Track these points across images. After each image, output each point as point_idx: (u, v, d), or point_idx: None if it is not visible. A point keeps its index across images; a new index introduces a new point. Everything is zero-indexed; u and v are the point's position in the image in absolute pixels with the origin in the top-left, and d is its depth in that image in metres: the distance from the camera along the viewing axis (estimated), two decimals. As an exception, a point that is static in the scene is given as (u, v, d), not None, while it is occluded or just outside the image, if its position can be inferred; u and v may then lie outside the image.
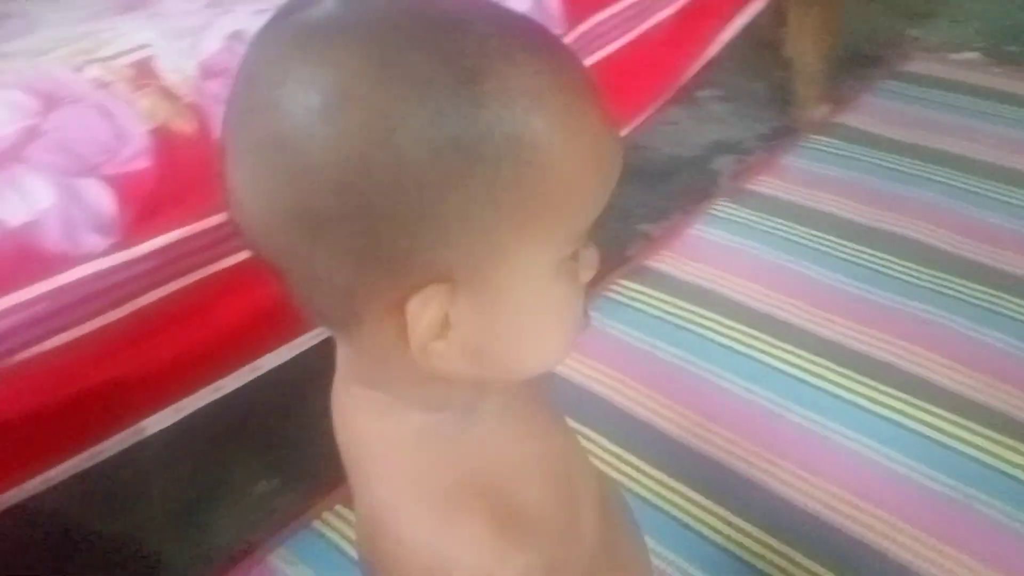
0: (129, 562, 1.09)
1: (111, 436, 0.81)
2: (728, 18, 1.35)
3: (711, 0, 1.29)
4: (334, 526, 1.07)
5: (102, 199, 0.74)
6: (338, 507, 1.09)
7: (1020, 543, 0.96)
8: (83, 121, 0.76)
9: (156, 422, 0.84)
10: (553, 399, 0.51)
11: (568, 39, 1.07)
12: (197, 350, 0.83)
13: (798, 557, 0.97)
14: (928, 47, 1.96)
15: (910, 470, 1.05)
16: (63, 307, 0.73)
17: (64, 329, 0.73)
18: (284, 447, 1.21)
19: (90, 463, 0.81)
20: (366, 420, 0.42)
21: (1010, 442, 1.06)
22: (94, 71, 0.80)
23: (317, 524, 1.08)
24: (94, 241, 0.74)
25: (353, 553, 1.03)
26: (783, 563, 0.97)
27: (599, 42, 1.13)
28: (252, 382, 0.92)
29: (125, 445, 0.83)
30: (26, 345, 0.71)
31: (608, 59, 1.15)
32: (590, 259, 0.41)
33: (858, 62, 1.91)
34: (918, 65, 1.87)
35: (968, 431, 1.08)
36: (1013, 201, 1.44)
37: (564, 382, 1.19)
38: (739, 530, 1.01)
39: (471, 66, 0.33)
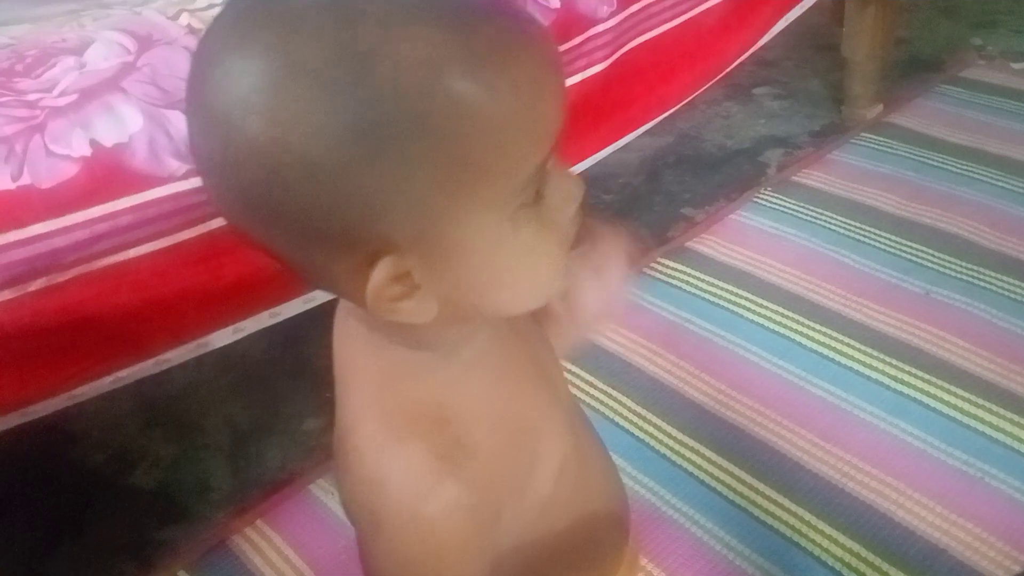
0: (176, 483, 1.18)
1: (176, 346, 0.90)
2: (782, 9, 1.40)
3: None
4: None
5: (184, 129, 0.83)
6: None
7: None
8: (173, 60, 0.85)
9: (218, 339, 0.93)
10: (552, 364, 0.53)
11: (618, 19, 1.13)
12: (259, 274, 0.91)
13: (808, 516, 1.02)
14: (989, 55, 1.97)
15: (926, 444, 1.08)
16: (145, 221, 0.82)
17: (145, 241, 0.82)
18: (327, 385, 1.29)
19: (156, 370, 0.90)
20: (355, 346, 0.46)
21: (1028, 423, 1.09)
22: (186, 19, 0.89)
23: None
24: (175, 165, 0.83)
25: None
26: (793, 521, 1.01)
27: (648, 23, 1.19)
28: (304, 318, 1.00)
29: (188, 357, 0.92)
30: (112, 251, 0.81)
31: (656, 40, 1.21)
32: (565, 191, 0.41)
33: (918, 67, 1.93)
34: (976, 72, 1.88)
35: (987, 411, 1.10)
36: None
37: (598, 349, 1.26)
38: (753, 489, 1.05)
39: (365, 50, 0.34)
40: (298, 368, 1.33)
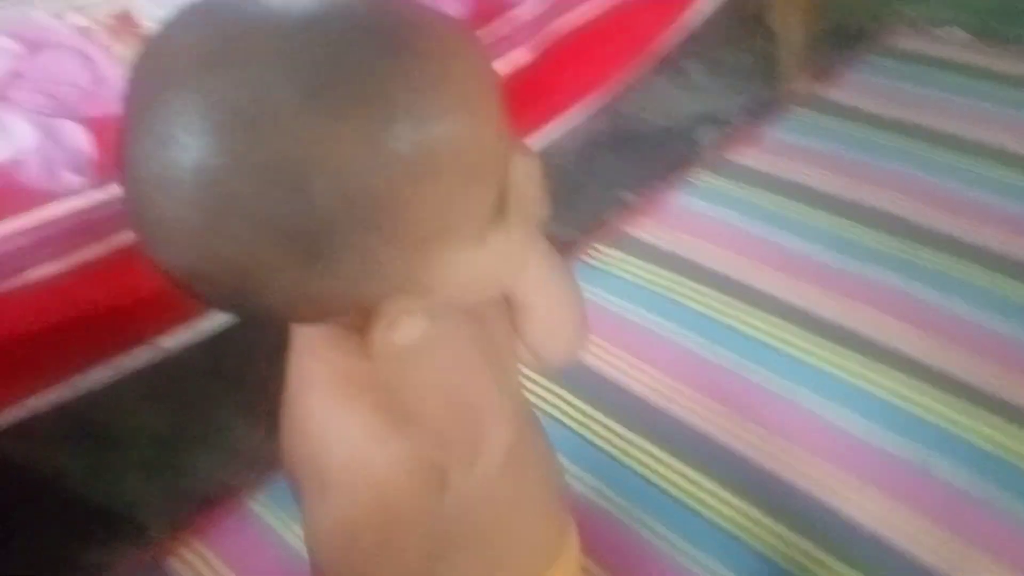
0: (109, 499, 1.12)
1: (93, 368, 0.84)
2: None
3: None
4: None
5: (79, 140, 0.77)
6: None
7: (973, 505, 0.99)
8: (64, 65, 0.78)
9: (134, 358, 0.87)
10: (508, 357, 0.54)
11: (543, 3, 1.09)
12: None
13: (751, 510, 1.01)
14: (914, 23, 1.97)
15: (868, 433, 1.08)
16: (45, 239, 0.75)
17: (47, 260, 0.76)
18: (269, 394, 1.24)
19: (74, 393, 0.84)
20: (313, 331, 0.46)
21: (965, 406, 1.09)
22: (75, 18, 0.82)
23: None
24: (71, 179, 0.76)
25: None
26: (736, 515, 1.01)
27: (574, 8, 1.15)
28: (229, 329, 0.94)
29: (107, 379, 0.86)
30: (9, 275, 0.74)
31: (583, 25, 1.17)
32: (523, 175, 0.41)
33: (844, 36, 1.92)
34: (903, 40, 1.89)
35: (927, 396, 1.11)
36: (988, 175, 1.46)
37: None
38: (694, 483, 1.04)
39: (303, 169, 0.34)
40: (228, 374, 1.27)
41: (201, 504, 1.10)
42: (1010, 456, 1.04)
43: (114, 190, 0.78)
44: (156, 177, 0.35)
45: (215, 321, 0.92)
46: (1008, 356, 1.15)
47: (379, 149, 0.35)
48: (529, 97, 1.14)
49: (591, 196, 1.55)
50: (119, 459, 1.17)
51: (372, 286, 0.38)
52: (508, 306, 0.53)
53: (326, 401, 0.44)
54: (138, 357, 0.88)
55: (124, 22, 0.82)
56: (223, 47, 0.35)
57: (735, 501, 1.02)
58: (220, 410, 1.22)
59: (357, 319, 0.40)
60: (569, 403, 1.15)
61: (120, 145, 0.37)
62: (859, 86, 1.75)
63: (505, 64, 1.08)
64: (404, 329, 0.41)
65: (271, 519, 1.06)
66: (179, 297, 0.86)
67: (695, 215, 1.45)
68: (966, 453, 1.04)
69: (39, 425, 1.17)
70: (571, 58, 1.18)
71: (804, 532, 0.98)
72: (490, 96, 0.38)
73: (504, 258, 0.42)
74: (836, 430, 1.09)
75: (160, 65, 0.36)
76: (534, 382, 1.17)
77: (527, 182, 0.42)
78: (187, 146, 0.34)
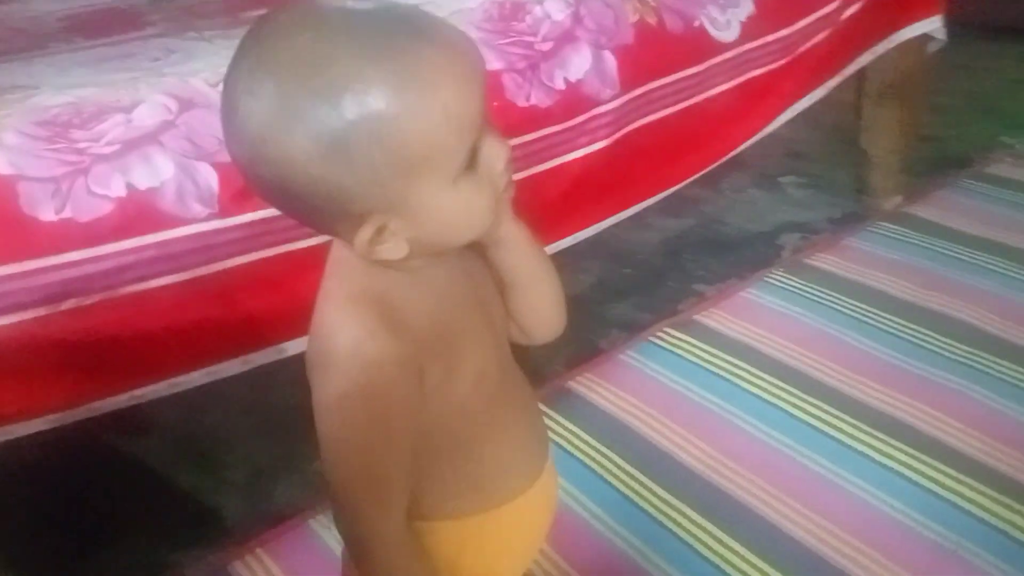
0: (195, 512, 1.27)
1: (189, 372, 1.00)
2: (787, 100, 1.47)
3: (771, 82, 1.42)
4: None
5: (210, 179, 0.95)
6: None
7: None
8: (208, 120, 0.97)
9: (228, 368, 1.02)
10: (492, 301, 0.66)
11: (621, 101, 1.23)
12: (268, 311, 1.01)
13: (782, 578, 1.04)
14: (1017, 154, 2.00)
15: (907, 517, 1.10)
16: (167, 256, 0.93)
17: (166, 274, 0.93)
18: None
19: (169, 391, 1.00)
20: (338, 260, 0.60)
21: (1008, 501, 1.09)
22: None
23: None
24: (198, 209, 0.94)
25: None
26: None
27: (651, 107, 1.28)
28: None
29: (199, 383, 1.01)
30: (135, 280, 0.92)
31: (659, 122, 1.30)
32: (494, 153, 0.55)
33: (946, 163, 1.98)
34: (1003, 168, 1.92)
35: (969, 488, 1.12)
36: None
37: (594, 409, 1.31)
38: (736, 553, 1.08)
39: (330, 90, 0.49)
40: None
41: (269, 521, 1.22)
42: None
43: (233, 221, 0.96)
44: (247, 128, 0.51)
45: (292, 348, 1.06)
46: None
47: (396, 90, 0.50)
48: (600, 186, 1.27)
49: (670, 287, 1.64)
50: (212, 477, 1.32)
51: (374, 192, 0.52)
52: (494, 276, 0.66)
53: (336, 305, 0.58)
54: (230, 369, 1.03)
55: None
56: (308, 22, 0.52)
57: (767, 568, 1.05)
58: (300, 441, 1.35)
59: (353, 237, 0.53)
60: (616, 464, 1.22)
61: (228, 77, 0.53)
62: (948, 205, 1.79)
63: (581, 152, 1.21)
64: (387, 244, 0.54)
65: (329, 538, 1.16)
66: (271, 318, 1.01)
67: (766, 309, 1.52)
68: (994, 540, 1.05)
69: (149, 440, 1.36)
70: (644, 153, 1.30)
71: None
72: (476, 82, 0.53)
73: (471, 206, 0.56)
74: (874, 511, 1.11)
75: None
76: (587, 444, 1.25)
77: (495, 158, 0.55)
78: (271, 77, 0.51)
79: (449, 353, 0.60)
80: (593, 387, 1.37)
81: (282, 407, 1.42)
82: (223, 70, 1.04)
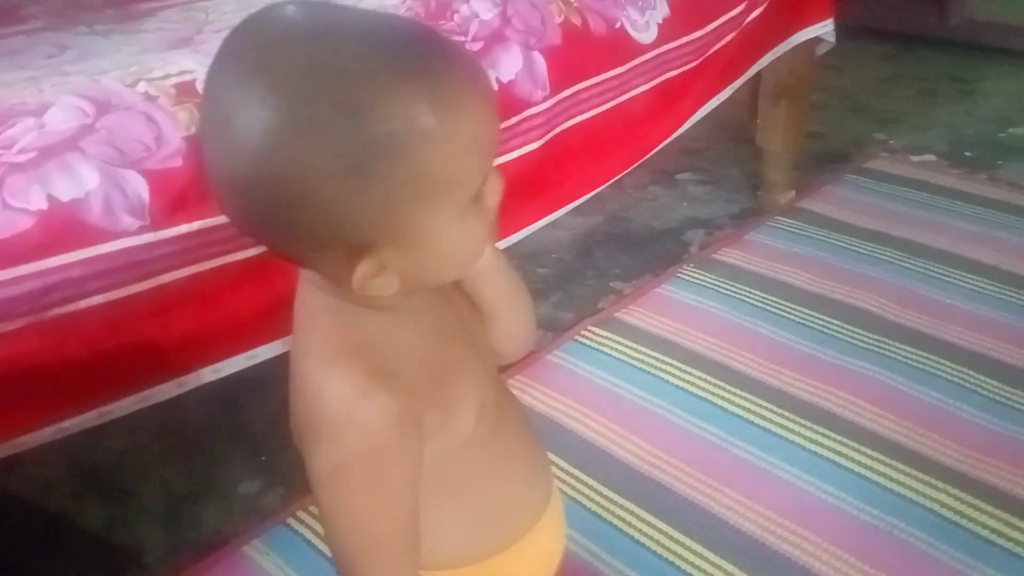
0: (111, 547, 1.17)
1: (121, 399, 0.92)
2: (700, 100, 1.51)
3: (685, 82, 1.45)
4: (308, 524, 1.16)
5: (139, 188, 0.87)
6: (312, 508, 1.18)
7: (937, 568, 1.05)
8: (130, 124, 0.89)
9: (161, 393, 0.95)
10: (477, 331, 0.63)
11: (551, 102, 1.22)
12: (205, 330, 0.94)
13: (732, 568, 1.06)
14: (891, 149, 2.13)
15: (840, 501, 1.15)
16: (97, 274, 0.85)
17: (96, 293, 0.85)
18: (272, 449, 1.31)
19: (98, 421, 0.91)
20: (311, 304, 0.55)
21: (931, 479, 1.16)
22: (143, 87, 0.94)
23: (292, 521, 1.17)
24: (128, 221, 0.86)
25: (323, 548, 1.12)
26: (718, 573, 1.06)
27: (579, 108, 1.28)
28: (246, 380, 1.02)
29: (130, 410, 0.93)
30: (63, 302, 0.83)
31: (587, 123, 1.30)
32: (493, 188, 0.52)
33: (829, 158, 2.09)
34: (881, 163, 2.04)
35: (894, 469, 1.18)
36: (954, 280, 1.58)
37: (533, 414, 1.30)
38: (680, 544, 1.10)
39: (354, 108, 0.44)
40: (235, 433, 1.34)
41: (198, 551, 1.15)
42: (967, 522, 1.10)
43: (166, 234, 0.89)
44: (244, 135, 0.45)
45: (228, 368, 1.00)
46: (968, 435, 1.23)
47: (427, 108, 0.46)
48: (532, 187, 1.26)
49: (588, 285, 1.65)
50: (126, 507, 1.23)
51: (383, 218, 0.47)
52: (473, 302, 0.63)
53: (320, 365, 0.53)
54: (164, 392, 0.95)
55: (185, 92, 0.94)
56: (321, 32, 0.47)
57: (716, 559, 1.07)
58: (220, 464, 1.29)
59: (348, 270, 0.48)
60: (557, 466, 1.22)
61: (208, 78, 0.48)
62: (837, 200, 1.89)
63: (514, 155, 1.20)
64: (381, 280, 0.49)
65: (267, 563, 1.11)
66: (206, 337, 0.94)
67: (681, 304, 1.55)
68: (927, 520, 1.11)
69: (50, 470, 1.25)
70: (573, 153, 1.30)
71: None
72: (493, 108, 0.50)
73: (473, 238, 0.52)
74: (811, 498, 1.15)
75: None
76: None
77: (495, 191, 0.52)
78: (281, 83, 0.45)
79: (445, 393, 0.56)
80: (526, 389, 1.36)
81: (195, 427, 1.35)
82: (135, 68, 1.00)
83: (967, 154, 2.10)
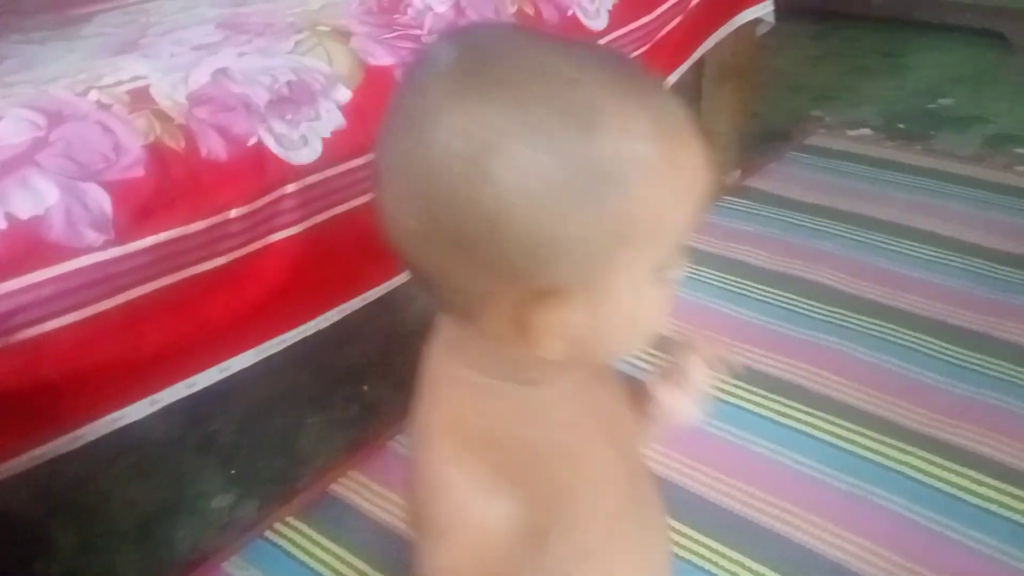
0: (85, 570, 1.13)
1: (94, 420, 0.88)
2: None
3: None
4: (286, 535, 1.14)
5: (101, 201, 0.84)
6: (289, 519, 1.16)
7: (915, 529, 1.08)
8: (86, 135, 0.86)
9: (134, 412, 0.91)
10: (622, 420, 0.58)
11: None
12: (178, 343, 0.91)
13: (715, 544, 1.08)
14: (830, 125, 2.18)
15: (815, 471, 1.17)
16: (64, 292, 0.81)
17: (64, 312, 0.82)
18: (243, 461, 1.28)
19: (72, 446, 0.88)
20: (441, 370, 0.50)
21: (902, 445, 1.19)
22: (95, 95, 0.90)
23: (269, 534, 1.14)
24: (92, 236, 0.83)
25: (303, 559, 1.10)
26: (702, 551, 1.07)
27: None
28: (209, 391, 0.98)
29: (103, 432, 0.90)
30: (31, 324, 0.79)
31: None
32: (680, 263, 0.47)
33: (769, 137, 2.12)
34: (820, 139, 2.09)
35: (866, 437, 1.21)
36: (900, 249, 1.63)
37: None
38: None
39: (587, 120, 0.40)
40: (202, 446, 1.31)
41: (175, 570, 1.12)
42: (937, 482, 1.14)
43: (132, 247, 0.86)
44: (446, 143, 0.41)
45: (202, 381, 0.97)
46: (932, 399, 1.27)
47: (657, 140, 0.42)
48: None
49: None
50: (95, 530, 1.19)
51: (584, 253, 0.42)
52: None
53: (442, 449, 0.47)
54: (137, 411, 0.92)
55: (140, 99, 0.90)
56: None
57: (697, 536, 1.09)
58: (190, 479, 1.25)
59: (517, 322, 0.43)
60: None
61: (406, 82, 0.44)
62: (782, 177, 1.92)
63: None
64: (553, 338, 0.44)
65: (245, 577, 1.08)
66: (180, 350, 0.91)
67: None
68: (901, 483, 1.14)
69: (14, 495, 1.20)
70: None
71: (764, 561, 1.05)
72: (704, 176, 0.45)
73: (657, 308, 0.47)
74: (787, 469, 1.18)
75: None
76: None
77: (680, 270, 0.47)
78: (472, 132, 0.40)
79: (578, 495, 0.51)
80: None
81: (158, 443, 1.31)
82: (83, 75, 0.96)
83: (901, 126, 2.16)
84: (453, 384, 0.49)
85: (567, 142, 0.40)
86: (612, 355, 0.50)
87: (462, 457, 0.47)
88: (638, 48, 1.45)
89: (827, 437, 1.22)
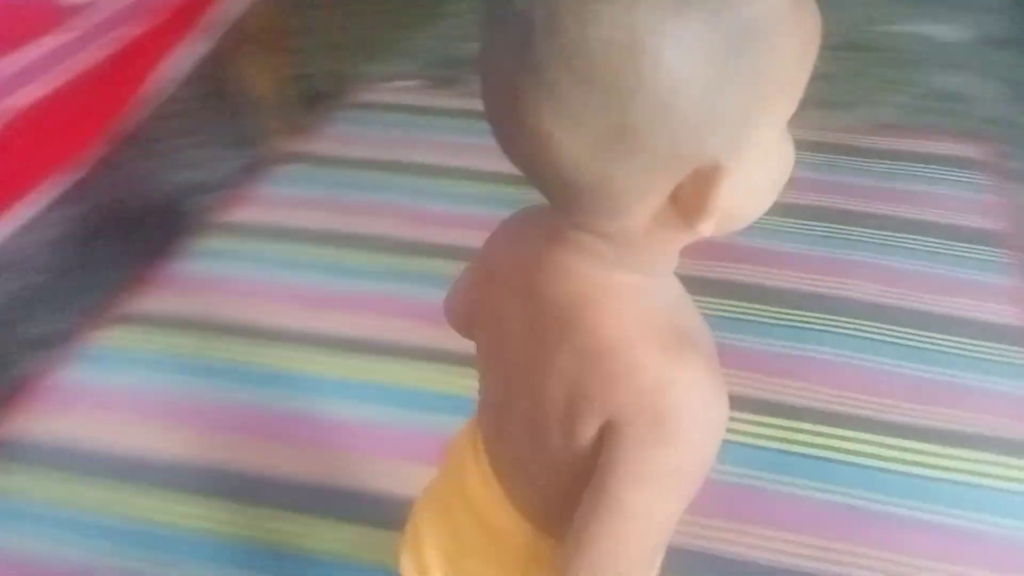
0: None
1: None
2: (157, 58, 1.40)
3: (135, 46, 1.33)
4: None
5: None
6: None
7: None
8: None
9: None
10: None
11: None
12: None
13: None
14: (375, 79, 2.20)
15: (389, 415, 1.19)
16: None
17: None
18: None
19: None
20: (586, 278, 0.49)
21: (439, 365, 1.25)
22: None
23: None
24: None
25: None
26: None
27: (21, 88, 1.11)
28: None
29: None
30: None
31: (32, 104, 1.13)
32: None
33: (320, 99, 2.09)
34: (368, 96, 2.11)
35: (433, 372, 1.24)
36: (454, 191, 1.69)
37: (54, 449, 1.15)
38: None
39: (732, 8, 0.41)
40: None
41: None
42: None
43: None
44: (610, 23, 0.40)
45: None
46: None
47: (773, 3, 0.42)
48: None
49: (82, 283, 1.48)
50: None
51: (741, 120, 0.43)
52: None
53: (662, 354, 0.47)
54: None
55: None
56: None
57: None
58: None
59: (677, 209, 0.44)
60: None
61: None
62: (335, 138, 1.91)
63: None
64: (715, 213, 0.44)
65: None
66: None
67: (205, 280, 1.47)
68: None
69: None
70: (22, 140, 1.12)
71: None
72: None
73: (787, 165, 0.48)
74: (371, 423, 1.19)
75: None
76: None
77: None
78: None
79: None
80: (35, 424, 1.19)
81: None
82: None
83: (445, 73, 2.24)
84: (623, 292, 0.49)
85: (715, 11, 0.41)
86: (754, 216, 0.50)
87: (683, 357, 0.48)
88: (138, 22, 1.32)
89: (396, 382, 1.24)
